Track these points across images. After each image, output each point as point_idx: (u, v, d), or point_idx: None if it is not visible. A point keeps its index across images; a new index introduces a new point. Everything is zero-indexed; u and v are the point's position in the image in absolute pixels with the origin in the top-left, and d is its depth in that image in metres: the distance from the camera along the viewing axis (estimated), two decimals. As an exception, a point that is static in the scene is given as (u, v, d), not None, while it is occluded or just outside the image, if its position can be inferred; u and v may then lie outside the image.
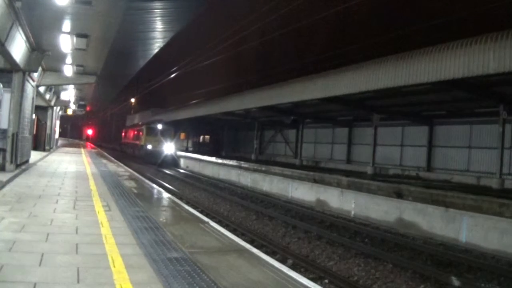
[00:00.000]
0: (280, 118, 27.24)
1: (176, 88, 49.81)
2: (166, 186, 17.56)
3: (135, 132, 38.52)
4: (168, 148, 32.05)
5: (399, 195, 11.84)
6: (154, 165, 29.42)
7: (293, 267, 6.66)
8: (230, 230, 7.64)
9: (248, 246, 5.92)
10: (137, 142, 36.04)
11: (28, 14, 9.92)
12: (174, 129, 34.73)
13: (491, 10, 13.40)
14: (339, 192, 14.22)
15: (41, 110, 25.72)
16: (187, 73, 31.86)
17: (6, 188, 9.37)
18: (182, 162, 32.38)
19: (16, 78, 12.81)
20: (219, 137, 43.27)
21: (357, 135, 24.72)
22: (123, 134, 48.27)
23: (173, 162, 31.94)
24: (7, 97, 12.57)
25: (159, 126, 33.06)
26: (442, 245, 9.72)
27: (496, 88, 13.40)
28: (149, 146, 31.93)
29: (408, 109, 19.22)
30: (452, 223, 10.09)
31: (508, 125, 14.85)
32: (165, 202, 9.46)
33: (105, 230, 6.01)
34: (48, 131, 28.34)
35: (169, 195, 10.75)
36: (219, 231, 6.69)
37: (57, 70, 17.30)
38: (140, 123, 42.30)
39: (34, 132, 21.61)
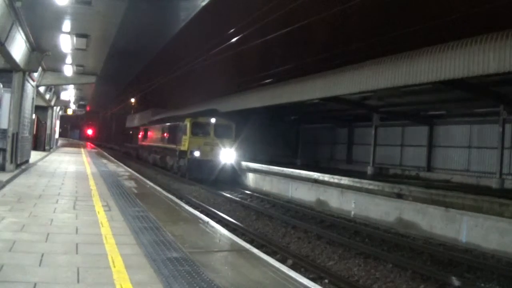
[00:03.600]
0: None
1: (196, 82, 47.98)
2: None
3: (167, 131, 25.16)
4: (227, 155, 20.14)
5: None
6: (198, 182, 18.98)
7: (293, 267, 6.65)
8: (230, 230, 7.64)
9: (248, 246, 5.92)
10: (172, 146, 22.69)
11: (28, 14, 9.92)
12: (235, 124, 21.51)
13: (491, 10, 13.40)
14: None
15: (41, 110, 25.71)
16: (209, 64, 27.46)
17: (6, 188, 9.36)
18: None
19: (16, 78, 12.81)
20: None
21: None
22: (140, 134, 34.46)
23: (232, 177, 20.55)
24: (7, 97, 12.57)
25: (213, 120, 20.57)
26: (442, 245, 9.72)
27: (496, 88, 13.40)
28: (197, 153, 19.69)
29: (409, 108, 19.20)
30: (452, 223, 10.08)
31: (508, 125, 14.86)
32: (165, 202, 9.46)
33: (105, 230, 6.00)
34: (48, 131, 28.34)
35: (169, 195, 10.75)
36: (219, 231, 6.69)
37: (57, 70, 17.30)
38: (172, 116, 29.20)
39: (34, 132, 21.60)
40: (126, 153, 44.34)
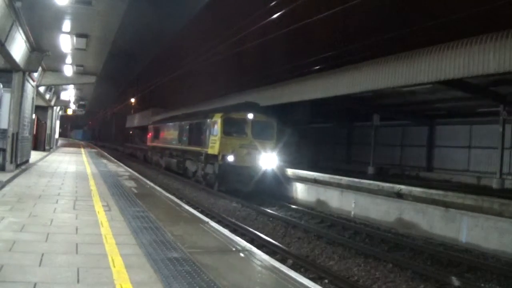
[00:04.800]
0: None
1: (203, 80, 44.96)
2: None
3: (187, 130, 20.42)
4: (267, 161, 15.84)
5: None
6: (227, 193, 15.35)
7: (293, 267, 6.65)
8: (230, 230, 7.64)
9: (248, 246, 5.92)
10: (195, 148, 18.34)
11: (28, 14, 9.92)
12: (278, 122, 17.06)
13: (491, 10, 13.39)
14: None
15: (41, 110, 25.73)
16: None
17: (6, 188, 9.37)
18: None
19: (16, 78, 12.82)
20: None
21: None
22: (150, 134, 29.60)
23: (273, 188, 16.21)
24: (7, 97, 12.59)
25: (250, 117, 16.07)
26: (442, 245, 9.71)
27: (496, 88, 13.41)
28: (230, 158, 15.44)
29: (410, 108, 19.18)
30: (452, 223, 10.07)
31: (508, 125, 14.84)
32: (165, 202, 9.46)
33: (105, 230, 6.00)
34: (48, 131, 28.35)
35: (169, 195, 10.75)
36: (219, 231, 6.69)
37: (57, 70, 17.31)
38: (194, 112, 24.01)
39: (34, 132, 21.61)
40: (131, 155, 40.55)
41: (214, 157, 15.90)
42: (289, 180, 16.37)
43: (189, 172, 19.58)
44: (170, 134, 23.63)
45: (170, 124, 24.30)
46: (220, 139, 15.63)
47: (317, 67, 19.72)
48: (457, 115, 18.31)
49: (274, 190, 16.08)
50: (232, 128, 16.02)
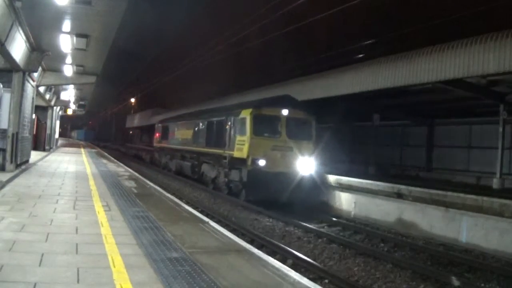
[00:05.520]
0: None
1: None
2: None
3: (204, 129, 17.70)
4: (305, 165, 13.54)
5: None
6: (255, 203, 13.02)
7: (293, 267, 6.65)
8: (230, 230, 7.64)
9: (248, 246, 5.92)
10: (215, 150, 15.75)
11: (28, 14, 9.93)
12: (316, 119, 14.44)
13: (491, 10, 13.41)
14: None
15: (41, 110, 25.74)
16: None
17: (6, 188, 9.37)
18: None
19: (16, 78, 12.83)
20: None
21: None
22: (157, 134, 26.83)
23: (310, 197, 13.73)
24: (7, 97, 12.60)
25: (285, 113, 13.62)
26: (442, 245, 9.71)
27: (496, 88, 13.40)
28: (261, 163, 13.02)
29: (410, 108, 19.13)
30: (452, 223, 10.07)
31: (508, 125, 14.82)
32: (165, 202, 9.46)
33: (105, 230, 6.01)
34: (48, 131, 28.36)
35: (169, 195, 10.75)
36: (219, 231, 6.69)
37: (57, 70, 17.30)
38: (212, 109, 20.40)
39: (34, 132, 21.62)
40: (136, 157, 37.79)
41: (241, 161, 13.29)
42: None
43: (207, 178, 16.89)
44: (183, 134, 20.82)
45: (183, 122, 21.45)
46: (250, 140, 13.03)
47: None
48: (457, 115, 18.26)
49: (312, 200, 13.71)
50: (263, 126, 13.46)
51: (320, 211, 13.20)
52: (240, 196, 13.84)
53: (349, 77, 15.48)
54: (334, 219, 12.05)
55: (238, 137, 13.72)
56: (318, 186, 13.75)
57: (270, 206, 12.49)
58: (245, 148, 13.10)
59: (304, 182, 13.24)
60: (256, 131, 13.20)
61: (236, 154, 13.61)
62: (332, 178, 14.07)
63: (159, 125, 26.91)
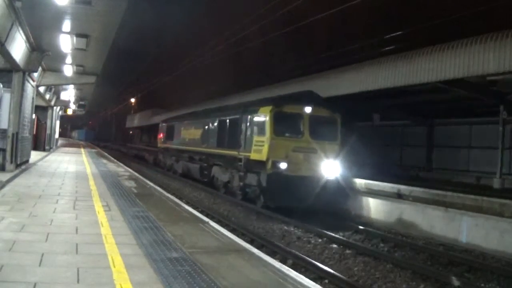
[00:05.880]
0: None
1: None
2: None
3: (215, 128, 16.33)
4: (329, 168, 12.32)
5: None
6: (273, 210, 11.94)
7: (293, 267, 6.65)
8: (229, 230, 7.64)
9: (248, 246, 5.92)
10: (229, 152, 14.39)
11: (28, 14, 9.93)
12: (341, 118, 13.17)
13: (491, 10, 13.41)
14: None
15: (41, 110, 25.75)
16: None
17: (6, 188, 9.37)
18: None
19: (16, 78, 12.83)
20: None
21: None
22: (161, 134, 25.50)
23: (334, 203, 12.53)
24: (7, 97, 12.61)
25: (308, 110, 12.46)
26: (442, 245, 9.70)
27: (496, 88, 13.39)
28: (283, 166, 11.82)
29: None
30: (452, 223, 10.06)
31: (508, 125, 14.82)
32: (165, 202, 9.46)
33: (105, 230, 6.01)
34: (48, 131, 28.37)
35: (169, 195, 10.75)
36: (219, 231, 6.69)
37: (57, 70, 17.31)
38: (224, 106, 19.19)
39: (34, 132, 21.63)
40: (137, 157, 36.31)
41: (260, 164, 12.02)
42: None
43: (218, 182, 15.68)
44: (191, 134, 19.42)
45: (191, 121, 19.98)
46: (270, 140, 11.76)
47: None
48: (457, 115, 18.24)
49: (337, 206, 12.49)
50: (285, 125, 12.23)
51: (344, 217, 12.01)
52: (257, 202, 12.65)
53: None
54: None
55: (256, 138, 12.42)
56: (345, 191, 12.49)
57: (290, 213, 11.31)
58: (265, 149, 11.85)
59: (328, 186, 11.91)
60: (277, 130, 11.94)
61: (254, 156, 12.34)
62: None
63: (164, 124, 25.31)
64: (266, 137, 11.93)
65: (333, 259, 8.09)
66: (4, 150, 12.50)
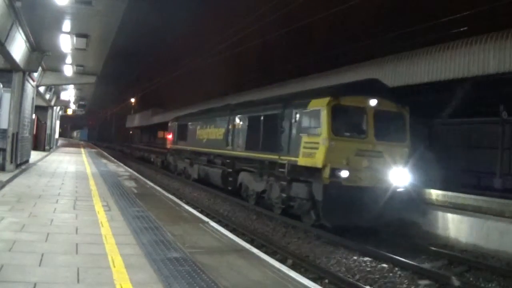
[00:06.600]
0: None
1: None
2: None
3: (245, 127, 13.69)
4: (398, 175, 9.71)
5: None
6: (322, 227, 9.61)
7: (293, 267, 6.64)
8: (229, 230, 7.64)
9: (248, 246, 5.92)
10: (268, 155, 11.61)
11: (28, 14, 9.93)
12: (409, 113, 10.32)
13: (491, 10, 13.38)
14: None
15: (41, 110, 25.74)
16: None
17: (6, 188, 9.37)
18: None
19: (16, 78, 12.83)
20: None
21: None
22: (171, 133, 22.98)
23: (404, 216, 9.95)
24: (7, 97, 12.60)
25: (373, 103, 9.72)
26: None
27: (495, 88, 13.34)
28: (344, 174, 9.24)
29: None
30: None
31: (508, 125, 14.72)
32: (165, 202, 9.46)
33: (105, 230, 6.00)
34: (48, 131, 28.37)
35: (169, 195, 10.75)
36: (219, 231, 6.70)
37: (57, 70, 17.32)
38: (255, 101, 16.12)
39: (34, 132, 21.63)
40: (142, 159, 33.77)
41: (312, 171, 9.67)
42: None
43: (248, 192, 13.10)
44: (210, 133, 16.78)
45: (210, 119, 17.18)
46: (328, 141, 9.31)
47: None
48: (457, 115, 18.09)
49: (404, 222, 10.10)
50: (345, 122, 9.92)
51: (410, 235, 9.77)
52: (304, 218, 10.27)
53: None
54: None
55: (306, 138, 9.92)
56: (417, 205, 10.24)
57: (341, 232, 9.17)
58: (320, 153, 9.36)
59: (397, 199, 9.57)
60: (336, 129, 9.48)
61: (303, 161, 9.88)
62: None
63: (175, 123, 22.29)
64: (322, 137, 9.41)
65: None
66: (4, 150, 12.50)
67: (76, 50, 12.99)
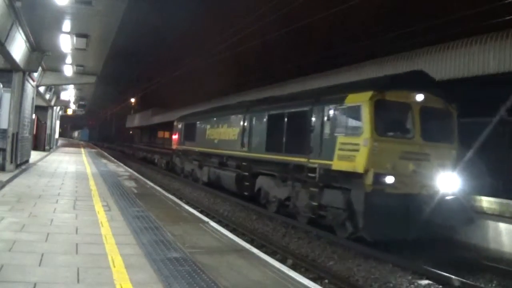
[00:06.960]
0: None
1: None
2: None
3: (267, 125, 12.01)
4: (446, 181, 8.45)
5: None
6: (360, 240, 8.25)
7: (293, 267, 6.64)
8: (229, 230, 7.65)
9: (248, 246, 5.92)
10: (293, 158, 10.21)
11: (28, 14, 9.93)
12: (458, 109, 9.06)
13: (491, 10, 13.36)
14: None
15: (41, 110, 25.75)
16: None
17: (6, 188, 9.37)
18: (501, 235, 8.42)
19: (16, 78, 12.83)
20: None
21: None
22: (177, 133, 21.53)
23: (454, 227, 8.59)
24: (7, 97, 12.60)
25: (419, 98, 8.51)
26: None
27: (496, 88, 13.35)
28: (389, 180, 7.99)
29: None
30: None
31: (508, 125, 14.72)
32: (165, 202, 9.46)
33: (105, 230, 6.01)
34: (48, 131, 28.38)
35: (169, 195, 10.75)
36: (219, 231, 6.70)
37: (57, 70, 17.32)
38: (280, 97, 13.81)
39: (34, 132, 21.63)
40: (145, 160, 32.57)
41: (351, 176, 8.40)
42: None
43: (269, 198, 11.74)
44: (222, 133, 15.33)
45: (222, 117, 15.75)
46: (371, 142, 8.07)
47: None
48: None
49: (451, 233, 8.88)
50: (389, 120, 8.76)
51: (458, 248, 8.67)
52: (338, 230, 8.97)
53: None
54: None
55: (342, 139, 8.69)
56: (468, 213, 8.89)
57: (375, 244, 8.01)
58: (361, 156, 8.15)
59: (446, 207, 8.33)
60: (379, 128, 8.24)
61: (338, 165, 8.63)
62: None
63: (181, 122, 20.90)
64: (364, 138, 8.19)
65: None
66: (4, 150, 12.50)
67: (76, 50, 13.00)
